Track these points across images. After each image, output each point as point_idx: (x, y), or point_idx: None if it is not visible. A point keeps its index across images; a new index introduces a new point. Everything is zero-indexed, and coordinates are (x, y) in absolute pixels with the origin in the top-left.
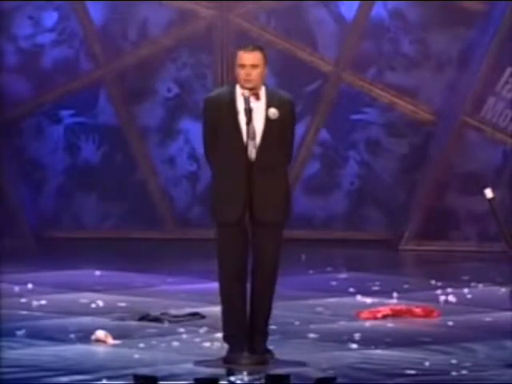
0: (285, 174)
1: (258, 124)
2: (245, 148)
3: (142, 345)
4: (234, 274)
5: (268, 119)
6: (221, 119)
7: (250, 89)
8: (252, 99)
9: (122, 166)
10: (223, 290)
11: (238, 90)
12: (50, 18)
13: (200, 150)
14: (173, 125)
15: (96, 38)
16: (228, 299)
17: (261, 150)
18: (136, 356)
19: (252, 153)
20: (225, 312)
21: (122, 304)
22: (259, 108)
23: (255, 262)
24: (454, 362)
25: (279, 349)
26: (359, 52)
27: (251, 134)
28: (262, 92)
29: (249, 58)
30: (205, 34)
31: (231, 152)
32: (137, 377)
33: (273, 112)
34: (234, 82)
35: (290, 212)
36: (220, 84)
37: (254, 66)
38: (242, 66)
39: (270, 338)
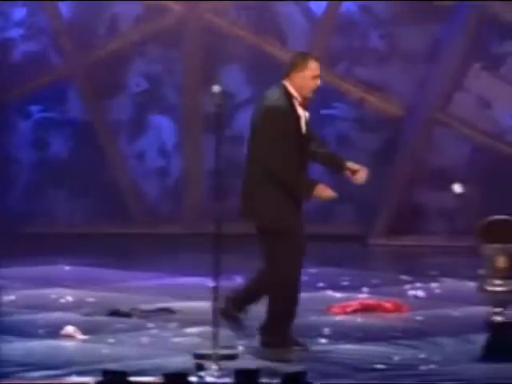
0: None
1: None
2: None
3: (111, 340)
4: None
5: (307, 123)
6: (291, 129)
7: (307, 97)
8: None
9: (91, 160)
10: None
11: (294, 96)
12: (19, 12)
13: (169, 144)
14: (142, 119)
15: (65, 33)
16: None
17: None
18: (105, 351)
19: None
20: None
21: (91, 299)
22: (303, 112)
23: None
24: (422, 356)
25: (250, 344)
26: (329, 47)
27: None
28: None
29: (317, 68)
30: (174, 29)
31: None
32: (106, 372)
33: (307, 115)
34: (280, 84)
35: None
36: (188, 79)
37: (320, 77)
38: (316, 76)
39: (239, 332)
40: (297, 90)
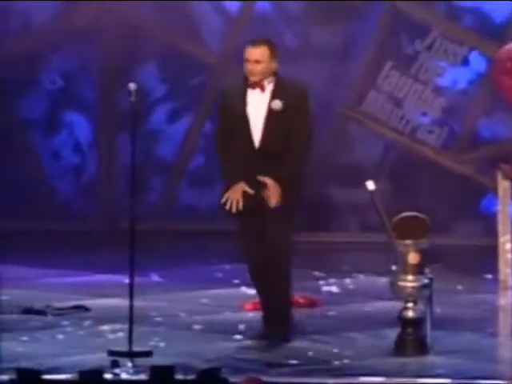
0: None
1: (261, 115)
2: (250, 138)
3: (25, 338)
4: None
5: (271, 110)
6: (232, 109)
7: (255, 82)
8: (257, 91)
9: (4, 158)
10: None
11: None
12: None
13: (84, 141)
14: (57, 117)
15: None
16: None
17: (263, 139)
18: (19, 349)
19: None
20: None
21: (4, 297)
22: (262, 99)
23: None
24: (335, 351)
25: (165, 341)
26: (243, 44)
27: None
28: (270, 83)
29: (253, 52)
30: (89, 26)
31: (240, 141)
32: (19, 370)
33: (276, 103)
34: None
35: (297, 198)
36: (104, 76)
37: (257, 61)
38: (246, 60)
39: (156, 329)
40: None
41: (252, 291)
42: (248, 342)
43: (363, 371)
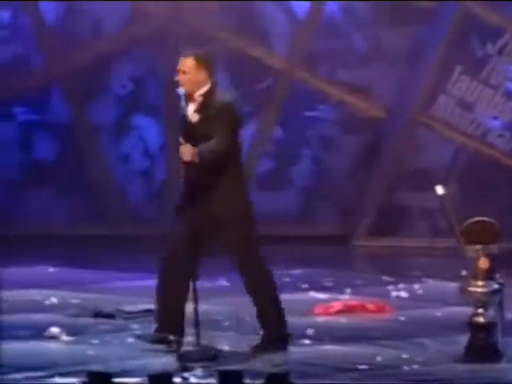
0: (217, 171)
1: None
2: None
3: (95, 341)
4: None
5: (189, 122)
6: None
7: (188, 94)
8: (191, 103)
9: (75, 163)
10: None
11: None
12: (2, 14)
13: (153, 145)
14: (126, 121)
15: (49, 35)
16: None
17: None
18: (90, 352)
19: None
20: None
21: (76, 300)
22: (188, 110)
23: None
24: (405, 356)
25: (233, 345)
26: (311, 49)
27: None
28: (201, 96)
29: (181, 63)
30: (158, 31)
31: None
32: (90, 373)
33: (193, 116)
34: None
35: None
36: (172, 80)
37: (183, 72)
38: (177, 70)
39: (224, 333)
40: None
41: (321, 296)
42: (317, 347)
43: (433, 377)
